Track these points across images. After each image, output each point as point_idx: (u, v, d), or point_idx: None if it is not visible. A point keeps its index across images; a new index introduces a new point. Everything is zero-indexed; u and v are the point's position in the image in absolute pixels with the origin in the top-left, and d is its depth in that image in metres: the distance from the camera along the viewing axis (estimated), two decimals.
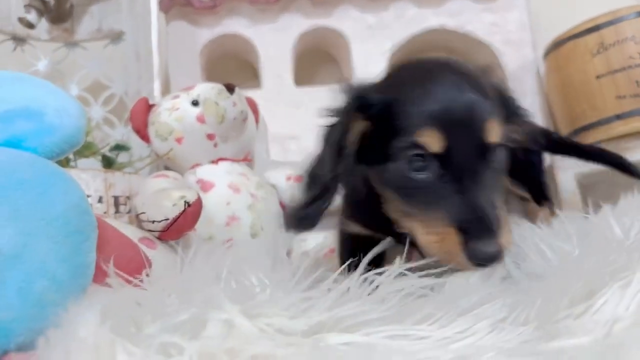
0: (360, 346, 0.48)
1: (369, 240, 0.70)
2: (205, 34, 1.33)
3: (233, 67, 1.48)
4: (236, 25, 1.34)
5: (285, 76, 1.32)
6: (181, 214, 0.76)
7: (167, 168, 1.02)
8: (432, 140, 0.57)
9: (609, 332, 0.44)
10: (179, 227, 0.77)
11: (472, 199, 0.57)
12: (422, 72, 0.64)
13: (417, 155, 0.58)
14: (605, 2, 1.20)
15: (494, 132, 0.58)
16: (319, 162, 0.67)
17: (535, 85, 1.31)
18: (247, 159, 1.02)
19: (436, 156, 0.57)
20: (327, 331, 0.48)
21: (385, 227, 0.68)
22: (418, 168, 0.59)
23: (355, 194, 0.72)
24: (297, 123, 1.30)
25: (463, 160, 0.58)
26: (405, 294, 0.58)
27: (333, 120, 0.66)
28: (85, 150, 1.04)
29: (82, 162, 1.06)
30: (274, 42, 1.33)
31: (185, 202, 0.77)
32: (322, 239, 1.00)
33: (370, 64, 1.33)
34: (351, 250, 0.73)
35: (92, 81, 1.29)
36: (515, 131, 0.66)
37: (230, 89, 0.94)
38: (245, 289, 0.64)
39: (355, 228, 0.77)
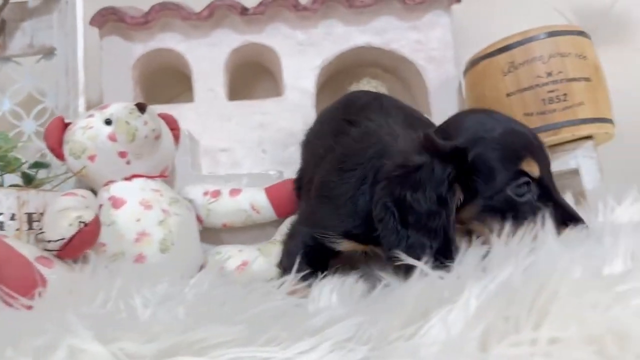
0: None
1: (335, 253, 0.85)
2: (138, 48, 1.36)
3: (173, 80, 1.51)
4: (169, 40, 1.37)
5: (217, 90, 1.35)
6: (77, 233, 0.80)
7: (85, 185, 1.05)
8: (532, 168, 0.71)
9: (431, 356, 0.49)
10: (75, 247, 0.80)
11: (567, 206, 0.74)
12: (479, 120, 0.77)
13: (526, 182, 0.71)
14: (528, 22, 1.25)
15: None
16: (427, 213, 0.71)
17: (457, 101, 1.36)
18: (163, 175, 1.06)
19: (536, 180, 0.72)
20: (179, 355, 0.52)
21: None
22: (520, 193, 0.72)
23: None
24: (228, 136, 1.33)
25: (549, 178, 0.74)
26: (260, 312, 0.62)
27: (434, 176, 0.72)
28: (9, 165, 1.07)
29: (8, 177, 1.09)
30: (207, 57, 1.36)
31: (80, 222, 0.80)
32: (236, 252, 1.04)
33: (300, 79, 1.37)
34: (312, 263, 0.83)
35: (25, 95, 1.32)
36: None
37: (141, 108, 0.97)
38: (129, 310, 0.67)
39: (347, 245, 0.84)
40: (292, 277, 0.74)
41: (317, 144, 0.98)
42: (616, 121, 1.31)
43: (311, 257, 0.85)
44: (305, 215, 0.94)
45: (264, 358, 0.52)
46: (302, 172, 1.07)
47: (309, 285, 0.77)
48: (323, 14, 1.38)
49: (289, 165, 1.29)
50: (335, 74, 1.51)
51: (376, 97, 1.06)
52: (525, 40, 1.19)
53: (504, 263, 0.53)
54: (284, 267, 0.89)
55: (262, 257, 1.01)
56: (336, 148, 0.90)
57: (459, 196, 0.71)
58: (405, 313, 0.54)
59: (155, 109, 1.07)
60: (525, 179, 0.71)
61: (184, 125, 1.26)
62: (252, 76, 1.57)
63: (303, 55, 1.38)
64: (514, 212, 0.71)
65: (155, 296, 0.71)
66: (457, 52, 1.39)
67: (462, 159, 0.71)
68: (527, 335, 0.47)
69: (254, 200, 1.07)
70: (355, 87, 1.44)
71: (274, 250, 1.02)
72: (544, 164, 0.74)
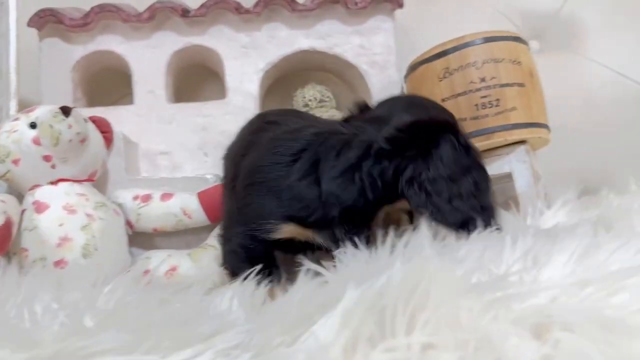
0: None
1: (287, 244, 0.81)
2: (78, 50, 1.35)
3: (117, 83, 1.49)
4: (110, 42, 1.36)
5: (158, 92, 1.34)
6: None
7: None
8: None
9: None
10: None
11: None
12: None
13: None
14: (475, 27, 1.26)
15: None
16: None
17: None
18: (91, 179, 1.04)
19: None
20: None
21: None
22: None
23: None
24: (168, 139, 1.32)
25: None
26: (159, 318, 0.62)
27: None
28: None
29: None
30: (148, 59, 1.35)
31: None
32: (166, 257, 1.03)
33: (244, 82, 1.37)
34: (256, 261, 0.78)
35: None
36: None
37: (65, 111, 0.96)
38: (31, 317, 0.67)
39: (289, 230, 0.80)
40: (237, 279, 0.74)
41: (236, 151, 0.98)
42: (559, 126, 1.33)
43: (253, 256, 0.81)
44: (235, 213, 0.89)
45: None
46: (224, 181, 1.06)
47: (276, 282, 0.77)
48: (267, 17, 1.38)
49: None
50: (282, 77, 1.51)
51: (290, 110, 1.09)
52: (460, 46, 1.20)
53: (384, 268, 0.53)
54: (229, 270, 0.86)
55: (191, 262, 1.01)
56: (258, 142, 0.89)
57: None
58: (289, 319, 0.54)
59: (93, 112, 1.06)
60: None
61: (123, 128, 1.25)
62: (201, 79, 1.56)
63: (246, 58, 1.37)
64: None
65: (61, 303, 0.71)
66: (402, 57, 1.40)
67: None
68: (402, 341, 0.48)
69: (185, 205, 1.07)
70: (300, 92, 1.45)
71: (205, 255, 1.02)
72: None
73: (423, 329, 0.48)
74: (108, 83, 1.49)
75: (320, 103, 1.42)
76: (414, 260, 0.52)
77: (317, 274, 0.62)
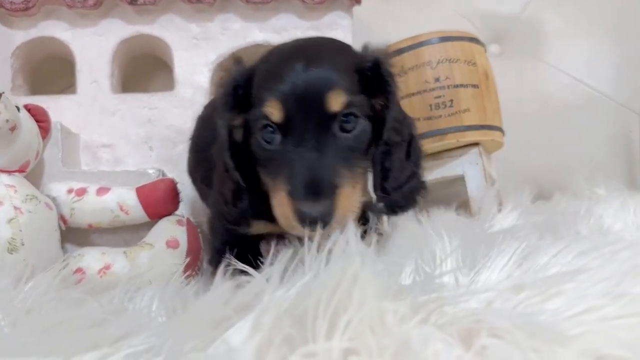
0: None
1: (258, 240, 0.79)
2: (19, 36, 1.28)
3: (64, 71, 1.43)
4: (53, 28, 1.29)
5: (102, 82, 1.28)
6: None
7: None
8: (274, 110, 0.64)
9: None
10: None
11: (305, 164, 0.62)
12: (283, 51, 0.72)
13: (266, 125, 0.65)
14: (435, 27, 1.23)
15: (336, 102, 0.64)
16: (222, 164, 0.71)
17: None
18: (22, 170, 0.98)
19: (279, 126, 0.64)
20: None
21: None
22: (268, 138, 0.65)
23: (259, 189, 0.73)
24: (111, 131, 1.27)
25: (302, 128, 0.64)
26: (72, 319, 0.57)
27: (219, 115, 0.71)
28: None
29: None
30: (93, 46, 1.29)
31: None
32: (99, 256, 0.98)
33: (194, 74, 1.32)
34: (238, 252, 0.74)
35: None
36: (376, 103, 0.71)
37: None
38: None
39: (260, 227, 0.77)
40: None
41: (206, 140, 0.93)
42: (516, 129, 1.33)
43: (240, 251, 0.77)
44: (214, 208, 0.86)
45: None
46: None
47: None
48: (220, 8, 1.33)
49: (177, 164, 1.24)
50: None
51: None
52: (415, 45, 1.18)
53: (308, 267, 0.50)
54: (214, 267, 0.81)
55: (126, 260, 0.95)
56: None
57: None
58: (204, 322, 0.50)
59: (34, 100, 1.00)
60: (265, 121, 0.66)
61: (64, 118, 1.19)
62: (150, 69, 1.50)
63: (197, 50, 1.32)
64: (264, 160, 0.69)
65: None
66: None
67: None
68: (322, 345, 0.44)
69: (122, 200, 1.01)
70: None
71: (142, 254, 0.97)
72: (301, 111, 0.65)
73: (344, 333, 0.45)
74: (54, 72, 1.42)
75: None
76: (339, 260, 0.48)
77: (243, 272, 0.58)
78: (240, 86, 0.71)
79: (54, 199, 1.01)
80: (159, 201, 1.02)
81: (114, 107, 1.28)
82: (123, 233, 1.07)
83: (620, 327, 0.46)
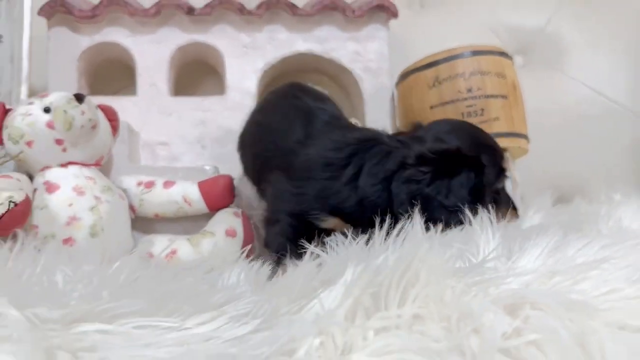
0: (114, 334, 0.57)
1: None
2: (85, 41, 1.40)
3: (119, 73, 1.55)
4: (116, 34, 1.41)
5: (160, 85, 1.40)
6: (6, 212, 0.84)
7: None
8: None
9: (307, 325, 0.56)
10: (4, 225, 0.84)
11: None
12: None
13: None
14: (465, 40, 1.34)
15: None
16: None
17: (390, 111, 1.45)
18: (98, 164, 1.10)
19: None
20: (88, 321, 0.58)
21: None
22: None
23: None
24: (167, 131, 1.38)
25: None
26: (170, 290, 0.68)
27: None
28: None
29: None
30: (152, 52, 1.41)
31: (11, 202, 0.84)
32: (167, 242, 1.09)
33: (243, 80, 1.43)
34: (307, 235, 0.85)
35: None
36: None
37: (79, 98, 1.02)
38: (51, 285, 0.72)
39: (331, 222, 0.91)
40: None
41: (273, 127, 1.07)
42: (538, 137, 1.43)
43: (296, 239, 0.87)
44: (287, 196, 0.95)
45: (166, 327, 0.59)
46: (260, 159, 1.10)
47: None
48: (268, 19, 1.45)
49: (227, 162, 1.35)
50: (280, 76, 1.58)
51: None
52: (450, 58, 1.28)
53: (379, 251, 0.61)
54: (275, 250, 0.93)
55: (190, 247, 1.07)
56: (310, 125, 1.01)
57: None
58: (294, 291, 0.61)
59: (94, 100, 1.12)
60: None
61: (125, 117, 1.31)
62: (201, 74, 1.62)
63: (246, 57, 1.44)
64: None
65: (77, 274, 0.76)
66: (394, 64, 1.48)
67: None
68: (394, 312, 0.55)
69: (186, 193, 1.13)
70: None
71: (204, 241, 1.08)
72: None
73: (413, 303, 0.56)
74: (108, 74, 1.54)
75: None
76: (407, 244, 0.59)
77: (317, 256, 0.69)
78: None
79: (125, 191, 1.12)
80: (219, 195, 1.13)
81: (170, 108, 1.40)
82: (184, 222, 1.18)
83: (639, 304, 0.56)
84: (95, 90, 1.49)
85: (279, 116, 1.08)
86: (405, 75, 1.35)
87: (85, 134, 1.04)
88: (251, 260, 0.91)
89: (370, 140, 0.91)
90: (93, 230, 1.00)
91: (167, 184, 1.14)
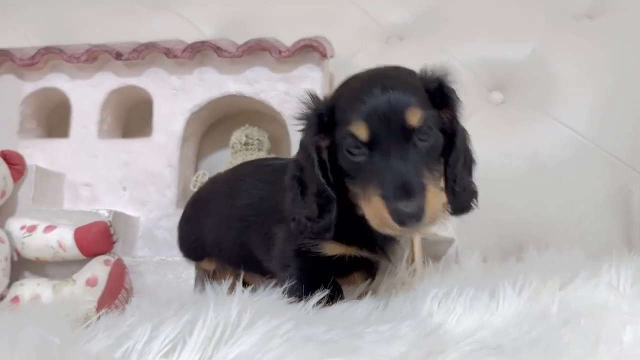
0: None
1: (338, 261, 0.88)
2: (29, 87, 1.49)
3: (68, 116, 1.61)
4: (57, 79, 1.49)
5: (90, 127, 1.45)
6: None
7: None
8: (361, 129, 0.75)
9: None
10: None
11: (394, 171, 0.73)
12: (360, 79, 0.83)
13: (354, 143, 0.77)
14: None
15: (414, 118, 0.76)
16: (308, 179, 0.84)
17: None
18: None
19: (366, 142, 0.76)
20: None
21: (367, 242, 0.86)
22: (356, 153, 0.77)
23: (343, 213, 0.84)
24: (92, 172, 1.42)
25: (386, 142, 0.75)
26: None
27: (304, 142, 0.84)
28: None
29: None
30: (87, 96, 1.46)
31: None
32: (35, 286, 1.10)
33: (170, 122, 1.44)
34: (319, 273, 0.88)
35: None
36: (444, 116, 0.82)
37: None
38: None
39: (333, 248, 0.88)
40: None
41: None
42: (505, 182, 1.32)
43: (313, 276, 0.88)
44: (286, 238, 0.93)
45: None
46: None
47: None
48: (199, 62, 1.45)
49: (146, 204, 1.36)
50: (221, 120, 1.57)
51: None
52: None
53: None
54: (299, 298, 0.85)
55: (52, 293, 1.08)
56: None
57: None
58: None
59: (38, 142, 1.17)
60: (352, 140, 0.77)
61: (56, 159, 1.37)
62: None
63: (175, 99, 1.45)
64: (354, 172, 0.79)
65: None
66: None
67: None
68: None
69: (61, 238, 1.14)
70: (236, 133, 1.49)
71: (65, 288, 1.09)
72: (384, 128, 0.75)
73: None
74: (63, 116, 1.61)
75: (245, 146, 1.46)
76: None
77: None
78: (324, 114, 0.82)
79: (8, 233, 1.16)
80: (91, 241, 1.13)
81: (97, 150, 1.43)
82: (72, 266, 1.19)
83: None
84: (48, 133, 1.57)
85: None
86: None
87: None
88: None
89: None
90: None
91: (48, 229, 1.16)
